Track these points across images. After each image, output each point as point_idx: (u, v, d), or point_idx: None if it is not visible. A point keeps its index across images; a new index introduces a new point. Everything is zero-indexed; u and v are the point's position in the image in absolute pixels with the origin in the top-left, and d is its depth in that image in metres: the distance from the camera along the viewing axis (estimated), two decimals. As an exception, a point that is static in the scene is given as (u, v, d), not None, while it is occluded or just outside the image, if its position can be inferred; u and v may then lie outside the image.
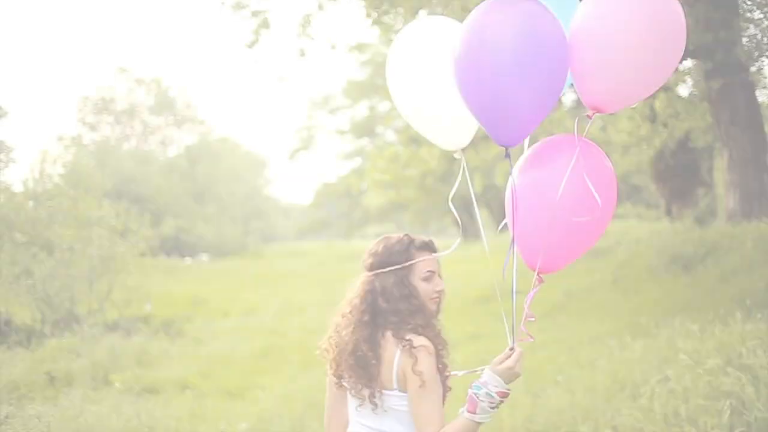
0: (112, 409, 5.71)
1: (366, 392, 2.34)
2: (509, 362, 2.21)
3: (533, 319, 2.39)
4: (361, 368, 2.34)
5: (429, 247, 2.45)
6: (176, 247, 38.94)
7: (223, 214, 44.07)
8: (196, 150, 46.73)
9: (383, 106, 33.93)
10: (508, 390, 2.22)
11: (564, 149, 2.40)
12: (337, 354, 2.40)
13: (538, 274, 2.45)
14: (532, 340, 2.38)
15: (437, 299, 2.43)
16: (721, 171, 18.60)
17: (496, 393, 2.19)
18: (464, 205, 40.61)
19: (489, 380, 2.21)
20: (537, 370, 7.04)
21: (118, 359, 8.98)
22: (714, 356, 5.02)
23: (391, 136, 22.67)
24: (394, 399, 2.32)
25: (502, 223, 2.58)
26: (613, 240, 17.18)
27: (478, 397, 2.19)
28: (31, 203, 13.00)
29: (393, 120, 26.31)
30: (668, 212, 17.14)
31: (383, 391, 2.32)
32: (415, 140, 19.25)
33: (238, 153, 52.20)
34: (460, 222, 2.77)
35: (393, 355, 2.29)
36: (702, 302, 8.27)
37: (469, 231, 46.19)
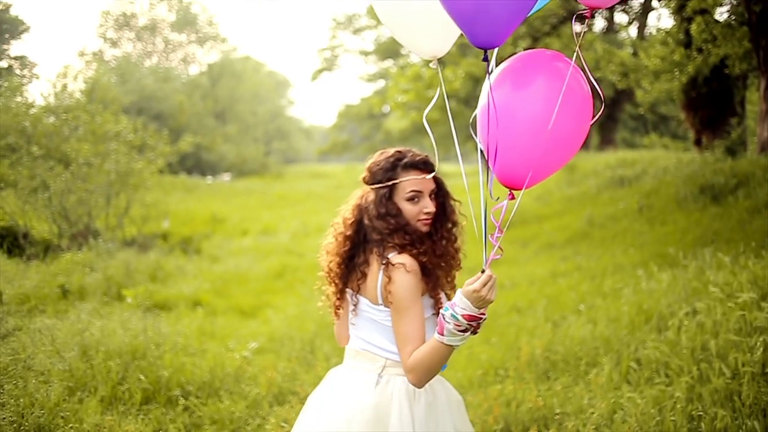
0: (120, 324, 5.57)
1: (353, 303, 2.39)
2: (475, 285, 2.06)
3: (500, 235, 2.17)
4: (350, 280, 2.39)
5: (420, 167, 2.35)
6: (198, 166, 39.01)
7: (245, 134, 43.90)
8: (218, 69, 46.24)
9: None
10: (479, 315, 2.09)
11: (542, 65, 2.24)
12: (331, 263, 2.42)
13: (510, 190, 2.26)
14: (500, 255, 2.18)
15: (426, 221, 2.35)
16: (753, 102, 17.90)
17: (462, 316, 2.07)
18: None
19: (457, 302, 2.10)
20: (558, 298, 6.82)
21: (132, 275, 8.88)
22: (747, 290, 4.72)
23: (415, 58, 22.00)
24: (380, 314, 2.32)
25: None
26: (639, 169, 16.73)
27: (444, 318, 2.11)
28: (50, 118, 12.73)
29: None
30: (697, 143, 16.54)
31: (371, 305, 2.34)
32: (440, 60, 18.54)
33: (261, 73, 51.62)
34: (435, 144, 2.50)
35: (377, 272, 2.29)
36: (732, 234, 7.92)
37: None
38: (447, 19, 2.17)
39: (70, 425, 3.87)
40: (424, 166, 2.35)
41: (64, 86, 14.86)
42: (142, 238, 13.54)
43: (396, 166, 2.33)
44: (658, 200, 12.49)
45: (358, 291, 2.37)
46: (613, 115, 26.67)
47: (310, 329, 6.36)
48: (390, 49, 37.04)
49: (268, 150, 47.76)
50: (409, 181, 2.32)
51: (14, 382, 4.20)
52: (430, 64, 2.49)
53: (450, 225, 2.42)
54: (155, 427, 4.17)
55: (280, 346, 5.81)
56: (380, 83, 40.16)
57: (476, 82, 14.95)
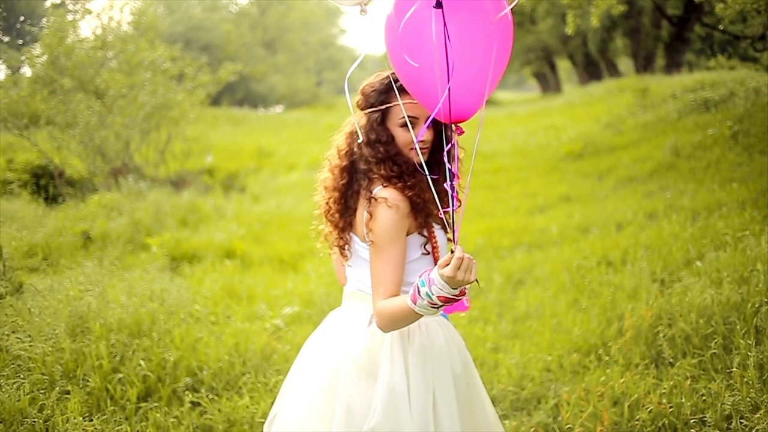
0: (128, 288, 4.61)
1: (343, 240, 2.24)
2: (447, 270, 1.83)
3: (458, 181, 2.01)
4: (341, 216, 2.22)
5: None
6: (248, 98, 38.12)
7: (295, 64, 42.66)
8: (267, -4, 44.75)
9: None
10: (456, 296, 1.88)
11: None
12: (330, 200, 2.23)
13: (455, 125, 2.02)
14: (457, 207, 2.00)
15: (423, 150, 2.15)
16: None
17: (438, 297, 1.88)
18: (545, 56, 37.78)
19: (435, 279, 1.88)
20: (658, 247, 5.57)
21: (162, 219, 7.97)
22: None
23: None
24: (366, 251, 2.19)
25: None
26: (725, 91, 14.96)
27: (418, 292, 1.92)
28: (82, 50, 11.75)
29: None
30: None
31: (360, 243, 2.20)
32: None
33: (311, 1, 50.00)
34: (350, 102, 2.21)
35: (363, 206, 2.15)
36: None
37: (550, 84, 43.54)
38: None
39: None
40: None
41: (111, 18, 13.84)
42: (186, 174, 12.71)
43: (390, 88, 2.14)
44: (754, 126, 10.90)
45: (350, 228, 2.22)
46: (682, 35, 24.59)
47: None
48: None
49: (319, 80, 46.51)
50: (406, 105, 2.11)
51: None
52: (360, 13, 2.16)
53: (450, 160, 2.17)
54: (153, 434, 3.21)
55: (321, 312, 4.75)
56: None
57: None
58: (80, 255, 6.51)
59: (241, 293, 5.17)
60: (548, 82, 44.68)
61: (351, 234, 2.23)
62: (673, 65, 25.05)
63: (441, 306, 1.90)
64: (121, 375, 3.56)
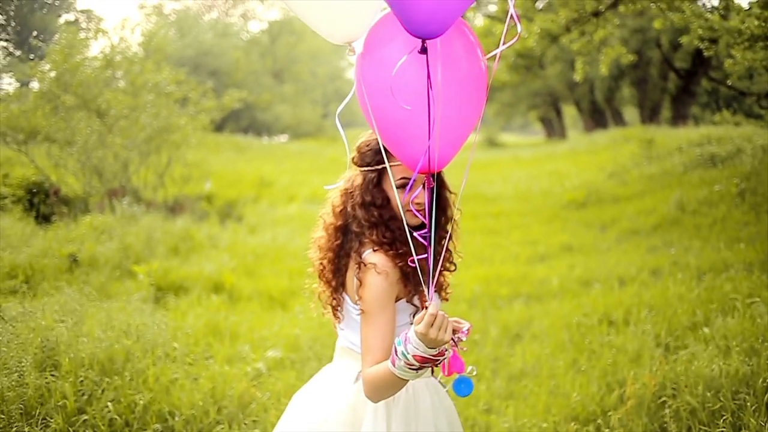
0: (106, 319, 4.38)
1: (336, 300, 2.16)
2: (420, 327, 1.77)
3: (427, 233, 1.90)
4: (334, 276, 2.14)
5: None
6: (253, 126, 38.14)
7: (302, 95, 42.79)
8: (278, 26, 45.02)
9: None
10: (433, 357, 1.79)
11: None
12: (323, 260, 2.16)
13: (427, 176, 1.95)
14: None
15: (420, 212, 2.04)
16: None
17: (414, 356, 1.79)
18: (552, 101, 37.89)
19: (411, 338, 1.80)
20: (662, 307, 5.35)
21: (153, 245, 7.76)
22: None
23: (479, 21, 20.40)
24: (357, 313, 2.09)
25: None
26: (732, 147, 14.85)
27: (396, 353, 1.83)
28: (87, 69, 11.66)
29: (483, 6, 23.88)
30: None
31: (351, 303, 2.12)
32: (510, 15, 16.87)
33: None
34: (345, 138, 2.10)
35: (354, 269, 2.07)
36: None
37: (555, 130, 43.63)
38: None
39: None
40: None
41: (122, 38, 13.81)
42: (184, 199, 12.53)
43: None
44: (762, 184, 10.75)
45: (343, 288, 2.15)
46: (689, 88, 24.66)
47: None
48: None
49: (325, 112, 46.61)
50: (401, 166, 2.03)
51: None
52: (347, 53, 2.07)
53: (443, 221, 2.15)
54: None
55: (305, 358, 4.51)
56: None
57: (552, 39, 13.24)
58: (64, 279, 6.29)
59: (224, 331, 4.92)
60: (553, 128, 44.83)
61: (344, 294, 2.16)
62: (679, 117, 25.10)
63: (419, 368, 1.83)
64: (86, 417, 3.32)
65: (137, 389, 3.57)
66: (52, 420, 3.26)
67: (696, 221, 9.61)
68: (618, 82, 29.13)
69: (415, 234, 1.95)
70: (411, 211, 2.03)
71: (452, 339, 1.95)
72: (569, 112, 45.42)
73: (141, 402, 3.44)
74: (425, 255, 1.94)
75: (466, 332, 2.00)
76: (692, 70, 23.01)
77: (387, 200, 2.07)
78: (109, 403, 3.40)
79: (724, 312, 4.91)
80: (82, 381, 3.56)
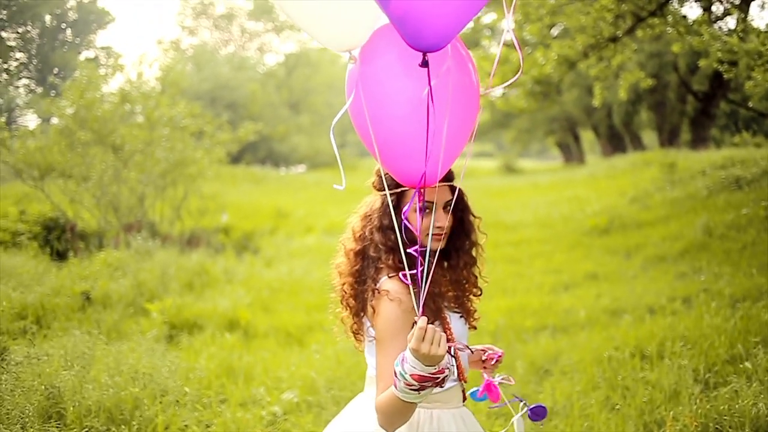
0: (115, 362, 4.20)
1: (357, 324, 2.14)
2: (412, 343, 1.72)
3: (422, 248, 1.83)
4: (356, 300, 2.11)
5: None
6: (270, 157, 38.25)
7: (319, 125, 42.95)
8: (294, 59, 45.37)
9: (488, 18, 31.31)
10: (432, 375, 1.72)
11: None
12: (344, 285, 2.13)
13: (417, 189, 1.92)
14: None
15: (437, 237, 2.02)
16: None
17: (411, 376, 1.73)
18: (569, 126, 37.73)
19: (407, 357, 1.75)
20: (697, 340, 5.08)
21: (167, 281, 7.60)
22: None
23: (494, 49, 20.34)
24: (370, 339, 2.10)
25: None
26: (757, 169, 14.52)
27: (395, 374, 1.78)
28: (104, 104, 11.67)
29: (499, 34, 23.87)
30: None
31: (371, 328, 2.06)
32: (527, 42, 16.79)
33: (337, 64, 50.68)
34: (337, 153, 2.07)
35: (369, 296, 2.05)
36: None
37: (573, 155, 43.34)
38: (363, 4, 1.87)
39: None
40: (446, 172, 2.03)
41: (140, 74, 13.86)
42: (201, 232, 12.42)
43: None
44: (791, 206, 10.46)
45: (364, 312, 2.10)
46: (708, 111, 24.36)
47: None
48: (469, 39, 35.25)
49: (342, 142, 46.74)
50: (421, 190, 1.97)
51: None
52: (348, 61, 2.05)
53: (467, 245, 2.12)
54: None
55: (324, 401, 4.29)
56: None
57: (570, 65, 13.07)
58: (76, 318, 6.15)
59: (238, 372, 4.72)
60: (571, 153, 44.53)
61: (364, 319, 2.13)
62: (698, 140, 24.79)
63: (420, 388, 1.75)
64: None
65: (145, 439, 3.38)
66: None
67: (725, 246, 9.31)
68: (636, 106, 28.87)
69: (409, 250, 1.88)
70: (432, 235, 1.98)
71: (448, 352, 1.90)
72: (587, 136, 45.15)
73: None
74: (415, 270, 1.87)
75: (498, 358, 2.18)
76: (710, 93, 22.73)
77: (405, 225, 2.01)
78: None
79: (765, 344, 4.64)
80: (87, 431, 3.37)
